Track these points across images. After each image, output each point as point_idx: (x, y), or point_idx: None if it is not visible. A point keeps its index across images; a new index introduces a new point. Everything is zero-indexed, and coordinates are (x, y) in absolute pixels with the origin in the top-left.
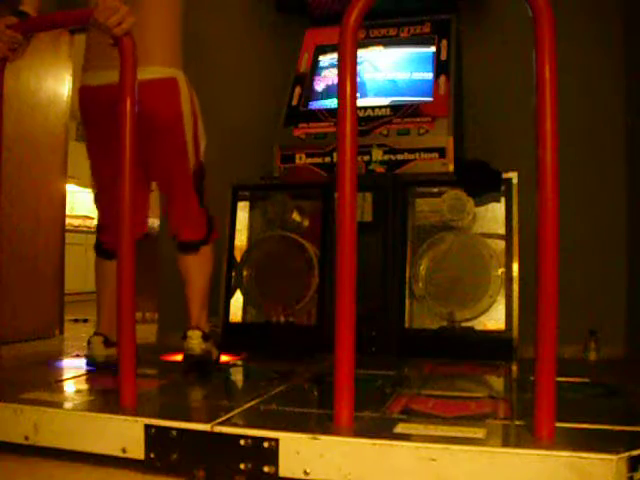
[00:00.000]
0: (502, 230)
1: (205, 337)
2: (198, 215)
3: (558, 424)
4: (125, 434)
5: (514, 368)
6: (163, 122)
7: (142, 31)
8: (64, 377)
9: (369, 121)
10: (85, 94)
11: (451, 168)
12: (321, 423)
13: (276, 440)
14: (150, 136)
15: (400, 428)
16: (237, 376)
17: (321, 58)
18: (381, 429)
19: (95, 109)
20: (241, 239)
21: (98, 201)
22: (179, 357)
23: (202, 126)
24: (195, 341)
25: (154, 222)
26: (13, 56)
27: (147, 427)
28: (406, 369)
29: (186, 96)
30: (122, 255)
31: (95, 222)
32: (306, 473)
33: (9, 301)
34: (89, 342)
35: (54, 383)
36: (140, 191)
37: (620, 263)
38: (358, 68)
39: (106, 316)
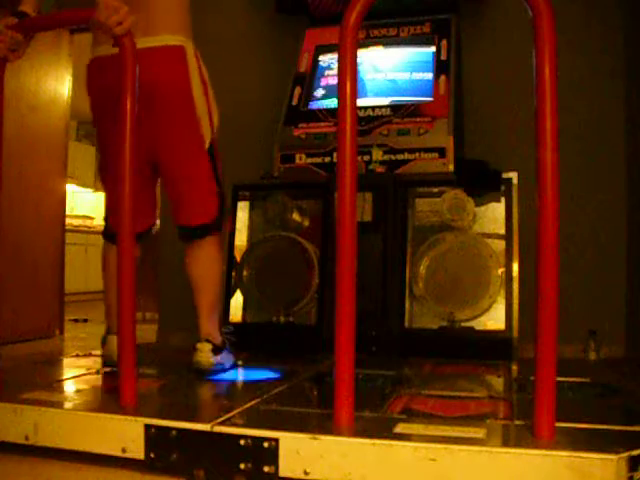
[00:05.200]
0: (502, 230)
1: (216, 350)
2: (213, 196)
3: (558, 424)
4: (125, 434)
5: (514, 368)
6: (171, 90)
7: (151, 1)
8: (64, 377)
9: (369, 121)
10: (93, 64)
11: (451, 168)
12: (321, 423)
13: (276, 440)
14: (158, 109)
15: (400, 428)
16: (237, 376)
17: (321, 58)
18: (381, 429)
19: (102, 78)
20: (241, 239)
21: (105, 182)
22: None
23: (214, 98)
24: (204, 354)
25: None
26: (13, 56)
27: (147, 427)
28: (406, 369)
29: (194, 65)
30: (122, 253)
31: (95, 222)
32: (306, 473)
33: (9, 301)
34: (104, 342)
35: (54, 383)
36: (145, 184)
37: (620, 263)
38: (358, 68)
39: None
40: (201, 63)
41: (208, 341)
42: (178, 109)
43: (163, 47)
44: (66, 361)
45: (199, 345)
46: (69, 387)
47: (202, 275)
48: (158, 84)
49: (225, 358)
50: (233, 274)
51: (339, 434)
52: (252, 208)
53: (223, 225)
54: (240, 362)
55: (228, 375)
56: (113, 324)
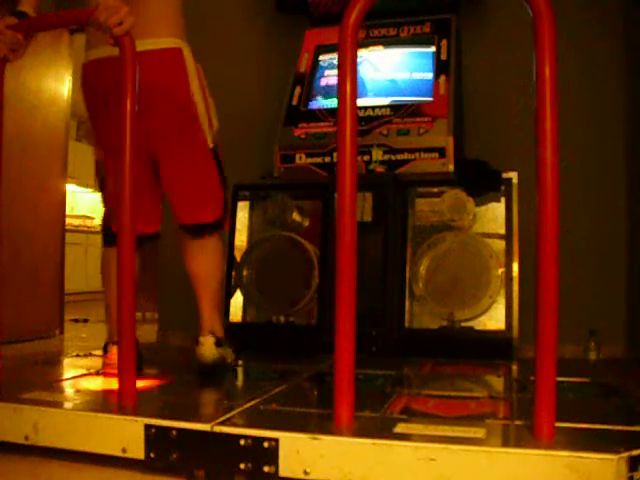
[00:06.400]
0: (502, 230)
1: (218, 343)
2: (219, 193)
3: (558, 424)
4: (125, 434)
5: (514, 368)
6: (171, 92)
7: (146, 4)
8: (64, 377)
9: (369, 121)
10: (88, 68)
11: (451, 168)
12: (321, 423)
13: (276, 440)
14: (158, 111)
15: (400, 428)
16: (237, 376)
17: (321, 58)
18: (381, 429)
19: (97, 81)
20: (241, 239)
21: (106, 184)
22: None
23: (212, 102)
24: (207, 347)
25: None
26: (13, 56)
27: (147, 427)
28: (406, 369)
29: (192, 66)
30: (122, 253)
31: (96, 221)
32: (306, 473)
33: (9, 301)
34: (105, 350)
35: (54, 383)
36: (149, 187)
37: (620, 263)
38: (358, 68)
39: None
40: (199, 67)
41: (211, 334)
42: (179, 110)
43: (160, 50)
44: (66, 361)
45: (202, 339)
46: (69, 387)
47: (205, 269)
48: (156, 86)
49: (226, 352)
50: (233, 274)
51: (339, 434)
52: (252, 208)
53: (225, 223)
54: (240, 361)
55: (228, 375)
56: (114, 332)
